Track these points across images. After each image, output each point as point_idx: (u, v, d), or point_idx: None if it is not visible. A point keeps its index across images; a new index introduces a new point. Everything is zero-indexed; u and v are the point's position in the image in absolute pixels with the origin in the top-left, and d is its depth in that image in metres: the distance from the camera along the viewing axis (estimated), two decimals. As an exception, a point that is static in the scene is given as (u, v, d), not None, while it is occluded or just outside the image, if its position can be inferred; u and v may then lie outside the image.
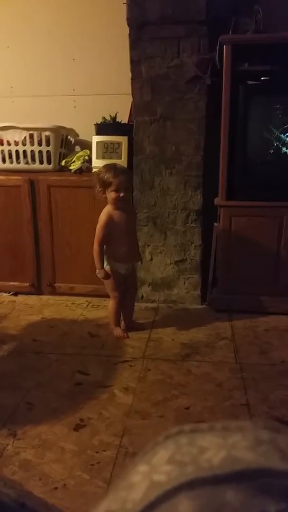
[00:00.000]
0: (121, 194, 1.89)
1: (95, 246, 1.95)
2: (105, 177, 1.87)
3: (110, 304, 2.11)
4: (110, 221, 1.93)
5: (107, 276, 1.98)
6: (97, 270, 1.98)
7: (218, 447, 0.20)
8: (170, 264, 2.44)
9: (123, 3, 2.18)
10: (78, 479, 1.17)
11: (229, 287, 2.32)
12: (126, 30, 2.21)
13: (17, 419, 1.44)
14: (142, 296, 2.50)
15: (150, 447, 0.23)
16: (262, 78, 2.15)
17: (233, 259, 2.29)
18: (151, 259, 2.45)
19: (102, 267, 1.97)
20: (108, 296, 2.12)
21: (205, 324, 2.21)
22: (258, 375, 1.71)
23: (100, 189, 1.91)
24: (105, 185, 1.88)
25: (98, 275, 1.99)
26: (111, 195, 1.90)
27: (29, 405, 1.52)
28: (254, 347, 1.97)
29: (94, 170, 2.45)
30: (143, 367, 1.79)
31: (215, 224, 2.33)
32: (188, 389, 1.63)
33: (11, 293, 2.62)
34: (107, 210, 1.95)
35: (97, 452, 1.28)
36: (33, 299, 2.56)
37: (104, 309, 2.35)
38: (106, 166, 1.96)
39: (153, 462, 0.21)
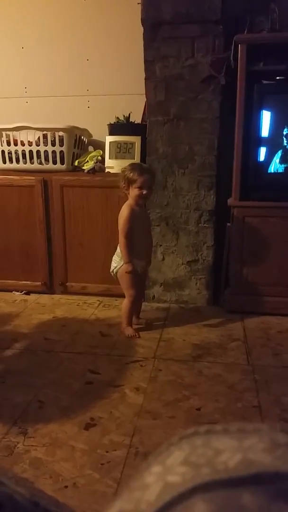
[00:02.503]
0: (144, 192, 1.94)
1: (122, 239, 1.97)
2: (131, 174, 1.93)
3: (124, 302, 2.10)
4: (132, 215, 1.96)
5: (134, 270, 1.98)
6: (125, 265, 1.97)
7: (233, 450, 0.20)
8: (182, 264, 2.43)
9: (138, 3, 2.19)
10: (88, 478, 1.17)
11: (242, 288, 2.30)
12: (141, 30, 2.21)
13: (28, 417, 1.45)
14: (154, 296, 2.50)
15: (164, 448, 0.23)
16: (278, 78, 2.12)
17: (246, 260, 2.27)
18: (163, 259, 2.44)
19: (131, 260, 1.97)
20: (120, 296, 2.12)
21: (217, 325, 2.20)
22: (270, 377, 1.69)
23: (124, 185, 1.96)
24: (130, 182, 1.94)
25: (126, 269, 1.98)
26: (134, 191, 1.94)
27: (40, 403, 1.53)
28: (267, 349, 1.95)
29: (107, 170, 2.46)
30: (154, 367, 1.78)
31: (228, 224, 2.31)
32: (199, 390, 1.62)
33: (23, 292, 2.64)
34: (128, 204, 1.98)
35: (107, 452, 1.28)
36: (45, 298, 2.57)
37: (115, 308, 2.35)
38: (132, 164, 2.02)
39: (167, 463, 0.21)
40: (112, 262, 2.07)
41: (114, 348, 1.96)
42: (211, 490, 0.18)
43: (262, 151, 2.18)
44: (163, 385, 1.65)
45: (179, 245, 2.41)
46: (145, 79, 2.27)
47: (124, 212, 1.97)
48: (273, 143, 2.18)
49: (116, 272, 2.06)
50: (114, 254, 2.08)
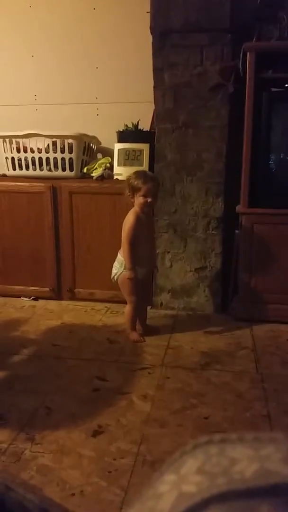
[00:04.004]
0: (149, 200, 1.94)
1: (126, 246, 1.97)
2: (135, 182, 1.94)
3: (126, 308, 2.12)
4: (138, 222, 1.96)
5: (135, 277, 1.98)
6: (127, 271, 1.98)
7: (250, 459, 0.19)
8: (190, 271, 2.42)
9: (147, 12, 2.20)
10: (95, 486, 1.16)
11: (250, 295, 2.29)
12: (149, 38, 2.22)
13: (35, 424, 1.44)
14: (162, 303, 2.49)
15: (177, 456, 0.22)
16: (286, 85, 2.13)
17: (254, 267, 2.26)
18: (171, 266, 2.44)
19: (134, 267, 1.98)
20: (127, 302, 2.12)
21: (225, 332, 2.19)
22: (279, 386, 1.68)
23: (129, 193, 1.97)
24: (135, 190, 1.94)
25: (128, 275, 1.98)
26: (139, 199, 1.95)
27: (48, 409, 1.52)
28: (276, 357, 1.93)
29: (115, 177, 2.48)
30: (162, 375, 1.77)
31: (237, 231, 2.30)
32: (208, 398, 1.60)
33: (31, 298, 2.65)
34: (134, 212, 1.98)
35: (114, 459, 1.27)
36: (53, 304, 2.58)
37: (123, 315, 2.35)
38: (137, 172, 2.02)
39: (181, 472, 0.21)
40: (113, 268, 2.08)
41: (121, 354, 1.95)
42: (228, 500, 0.18)
43: (271, 158, 2.18)
44: (171, 393, 1.64)
45: (187, 252, 2.40)
46: (154, 87, 2.29)
47: (129, 219, 1.98)
48: (282, 150, 2.18)
49: (116, 279, 2.06)
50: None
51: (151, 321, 2.26)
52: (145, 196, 1.93)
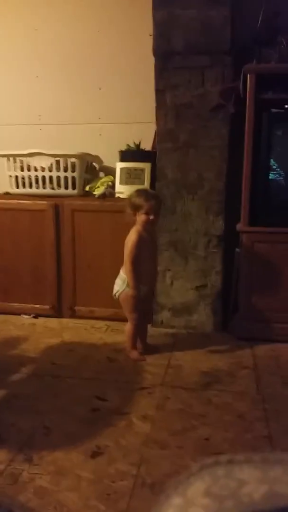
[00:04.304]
0: (151, 217, 1.94)
1: (129, 265, 1.97)
2: (137, 200, 1.95)
3: (127, 326, 2.11)
4: (140, 240, 1.97)
5: (138, 295, 1.98)
6: (131, 290, 1.98)
7: (258, 481, 0.19)
8: (191, 289, 2.42)
9: (149, 35, 2.26)
10: (94, 509, 1.14)
11: (251, 314, 2.28)
12: (152, 60, 2.27)
13: (33, 444, 1.42)
14: (162, 321, 2.48)
15: (184, 478, 0.22)
16: (286, 106, 2.16)
17: (255, 286, 2.25)
18: (172, 284, 2.43)
19: (138, 286, 1.98)
20: (127, 320, 2.11)
21: (226, 352, 2.17)
22: (280, 407, 1.65)
23: (131, 211, 1.98)
24: (136, 208, 1.95)
25: (131, 293, 1.98)
26: (141, 217, 1.96)
27: (46, 429, 1.50)
28: (277, 377, 1.90)
29: (117, 195, 2.50)
30: (162, 395, 1.75)
31: (237, 249, 2.31)
32: (208, 419, 1.58)
33: (32, 316, 2.64)
34: (136, 230, 1.99)
35: (113, 482, 1.24)
36: (53, 322, 2.57)
37: (123, 333, 2.33)
38: (138, 190, 2.03)
39: (188, 494, 0.20)
40: (115, 285, 2.07)
41: (121, 374, 1.93)
42: None
43: (271, 177, 2.20)
44: (171, 413, 1.62)
45: (188, 269, 2.40)
46: (156, 107, 2.33)
47: (131, 237, 1.98)
48: (282, 169, 2.20)
49: (118, 296, 2.06)
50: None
51: (151, 340, 2.24)
52: (147, 213, 1.94)
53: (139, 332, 2.13)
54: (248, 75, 2.09)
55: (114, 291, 2.07)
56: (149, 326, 2.33)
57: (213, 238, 2.35)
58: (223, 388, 1.81)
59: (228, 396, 1.74)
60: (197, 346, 2.24)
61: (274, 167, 2.19)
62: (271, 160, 2.18)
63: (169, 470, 1.29)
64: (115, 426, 1.52)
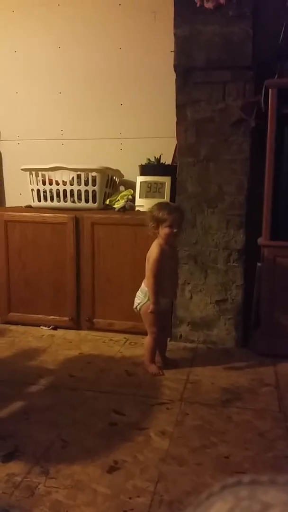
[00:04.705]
0: (175, 230, 1.94)
1: (152, 280, 1.96)
2: (160, 214, 1.94)
3: (147, 340, 2.09)
4: (162, 254, 1.96)
5: (158, 310, 1.97)
6: (151, 305, 1.97)
7: (284, 504, 0.18)
8: (211, 303, 2.39)
9: (171, 51, 2.29)
10: (110, 526, 1.11)
11: (273, 330, 2.23)
12: (173, 76, 2.30)
13: (50, 457, 1.41)
14: (181, 335, 2.45)
15: (204, 497, 0.21)
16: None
17: (277, 301, 2.21)
18: (191, 298, 2.41)
19: (158, 301, 1.97)
20: (146, 334, 2.09)
21: (247, 368, 2.12)
22: (304, 427, 1.60)
23: (153, 225, 1.96)
24: (160, 221, 1.94)
25: (151, 309, 1.97)
26: (164, 230, 1.94)
27: (64, 442, 1.49)
28: (300, 395, 1.85)
29: (137, 208, 2.51)
30: (180, 411, 1.72)
31: (258, 264, 2.27)
32: (228, 437, 1.54)
33: (51, 327, 2.65)
34: (158, 244, 1.98)
35: (130, 498, 1.21)
36: (71, 334, 2.57)
37: (141, 347, 2.32)
38: (160, 203, 2.03)
39: None
40: (136, 298, 2.06)
41: (139, 388, 1.91)
42: None
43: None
44: (190, 430, 1.58)
45: (208, 283, 2.38)
46: (177, 122, 2.34)
47: (154, 252, 1.97)
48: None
49: (139, 309, 2.05)
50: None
51: (170, 354, 2.22)
52: (170, 226, 1.93)
53: (158, 346, 2.11)
54: (269, 90, 2.09)
55: (135, 304, 2.06)
56: (168, 340, 2.30)
57: (233, 252, 2.33)
58: (243, 405, 1.77)
59: (249, 414, 1.70)
60: (217, 361, 2.20)
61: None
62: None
63: (188, 488, 1.26)
64: (133, 441, 1.50)
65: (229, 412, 1.71)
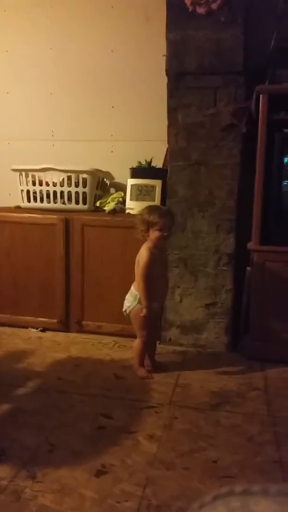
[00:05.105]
0: (165, 234, 1.93)
1: (142, 284, 1.95)
2: (150, 217, 1.93)
3: (136, 343, 2.08)
4: (152, 258, 1.95)
5: (150, 314, 1.96)
6: (144, 309, 1.96)
7: None
8: (200, 307, 2.39)
9: (163, 55, 2.30)
10: (97, 531, 1.10)
11: (262, 334, 2.24)
12: (164, 80, 2.31)
13: (37, 460, 1.39)
14: (170, 338, 2.45)
15: (196, 507, 0.20)
16: (298, 126, 2.17)
17: (266, 305, 2.22)
18: (181, 301, 2.41)
19: (150, 305, 1.96)
20: (135, 337, 2.09)
21: (236, 372, 2.12)
22: (292, 430, 1.61)
23: (143, 228, 1.95)
24: (150, 224, 1.93)
25: (143, 313, 1.96)
26: (154, 234, 1.94)
27: (51, 446, 1.47)
28: (288, 399, 1.86)
29: (127, 211, 2.51)
30: (169, 414, 1.71)
31: (248, 268, 2.29)
32: (217, 441, 1.54)
33: (39, 329, 2.62)
34: (147, 247, 1.97)
35: (118, 502, 1.20)
36: (60, 336, 2.55)
37: (130, 350, 2.30)
38: (150, 207, 2.02)
39: None
40: (125, 301, 2.06)
41: (128, 391, 1.90)
42: None
43: (283, 196, 2.19)
44: (179, 434, 1.58)
45: (197, 287, 2.38)
46: (168, 126, 2.35)
47: (143, 255, 1.96)
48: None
49: (128, 312, 2.04)
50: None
51: (159, 357, 2.21)
52: (161, 230, 1.93)
53: (148, 349, 2.10)
54: (260, 95, 2.11)
55: (125, 307, 2.05)
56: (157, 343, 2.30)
57: (223, 256, 2.34)
58: (232, 409, 1.77)
59: (238, 418, 1.70)
60: (206, 365, 2.20)
61: (285, 186, 2.18)
62: (283, 180, 2.17)
63: (176, 492, 1.25)
64: (121, 445, 1.49)
65: (218, 416, 1.71)
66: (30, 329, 2.63)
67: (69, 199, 2.54)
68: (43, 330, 2.62)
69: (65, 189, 2.53)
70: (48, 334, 2.58)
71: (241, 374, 2.11)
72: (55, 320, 2.60)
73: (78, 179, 2.50)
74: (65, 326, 2.60)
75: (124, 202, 2.57)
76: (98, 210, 2.58)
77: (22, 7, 2.84)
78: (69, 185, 2.52)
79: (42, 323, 2.63)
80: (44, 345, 2.43)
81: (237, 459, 1.43)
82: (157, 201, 2.43)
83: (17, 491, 1.24)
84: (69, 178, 2.52)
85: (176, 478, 1.32)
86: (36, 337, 2.54)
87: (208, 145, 2.30)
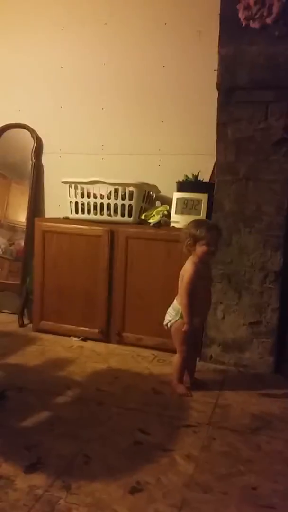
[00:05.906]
0: (212, 248, 1.90)
1: (186, 299, 1.93)
2: (197, 231, 1.91)
3: (176, 358, 2.04)
4: (197, 273, 1.93)
5: (191, 329, 1.94)
6: (185, 325, 1.94)
7: None
8: (244, 325, 2.32)
9: (214, 70, 2.29)
10: None
11: (308, 357, 2.14)
12: (214, 94, 2.30)
13: (73, 472, 1.39)
14: (211, 356, 2.39)
15: None
16: None
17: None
18: (223, 318, 2.36)
19: (192, 320, 1.94)
20: (175, 352, 2.05)
21: (280, 395, 2.03)
22: None
23: (189, 242, 1.93)
24: (196, 239, 1.91)
25: (185, 328, 1.94)
26: (201, 248, 1.91)
27: (86, 458, 1.47)
28: None
29: (172, 224, 2.50)
30: (208, 435, 1.66)
31: (295, 287, 2.20)
32: (257, 466, 1.47)
33: (80, 338, 2.66)
34: (193, 262, 1.95)
35: (152, 523, 1.17)
36: (100, 346, 2.56)
37: (170, 364, 2.27)
38: (197, 221, 2.00)
39: None
40: (167, 315, 2.03)
41: (166, 408, 1.87)
42: None
43: None
44: (217, 456, 1.53)
45: (241, 304, 2.32)
46: (217, 140, 2.33)
47: (188, 270, 1.94)
48: None
49: (170, 326, 2.01)
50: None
51: (199, 375, 2.16)
52: (207, 244, 1.90)
53: (188, 365, 2.06)
54: (314, 110, 2.05)
55: (166, 321, 2.03)
56: (197, 360, 2.25)
57: (270, 273, 2.27)
58: (274, 434, 1.69)
59: (280, 444, 1.62)
60: (248, 386, 2.13)
61: None
62: None
63: (212, 518, 1.21)
64: (157, 463, 1.46)
65: (259, 440, 1.64)
66: (72, 337, 2.67)
67: (115, 211, 2.57)
68: (85, 339, 2.65)
69: (112, 201, 2.57)
70: (89, 343, 2.61)
71: (285, 398, 2.01)
72: (96, 330, 2.62)
73: (125, 192, 2.53)
74: (105, 336, 2.62)
75: (169, 215, 2.57)
76: (143, 222, 2.59)
77: (78, 25, 2.94)
78: (116, 197, 2.55)
79: (83, 333, 2.66)
80: (84, 354, 2.45)
81: (278, 488, 1.36)
82: (202, 215, 2.41)
83: (52, 501, 1.24)
84: (116, 190, 2.55)
85: (213, 502, 1.27)
86: (78, 346, 2.57)
87: (257, 160, 2.25)
